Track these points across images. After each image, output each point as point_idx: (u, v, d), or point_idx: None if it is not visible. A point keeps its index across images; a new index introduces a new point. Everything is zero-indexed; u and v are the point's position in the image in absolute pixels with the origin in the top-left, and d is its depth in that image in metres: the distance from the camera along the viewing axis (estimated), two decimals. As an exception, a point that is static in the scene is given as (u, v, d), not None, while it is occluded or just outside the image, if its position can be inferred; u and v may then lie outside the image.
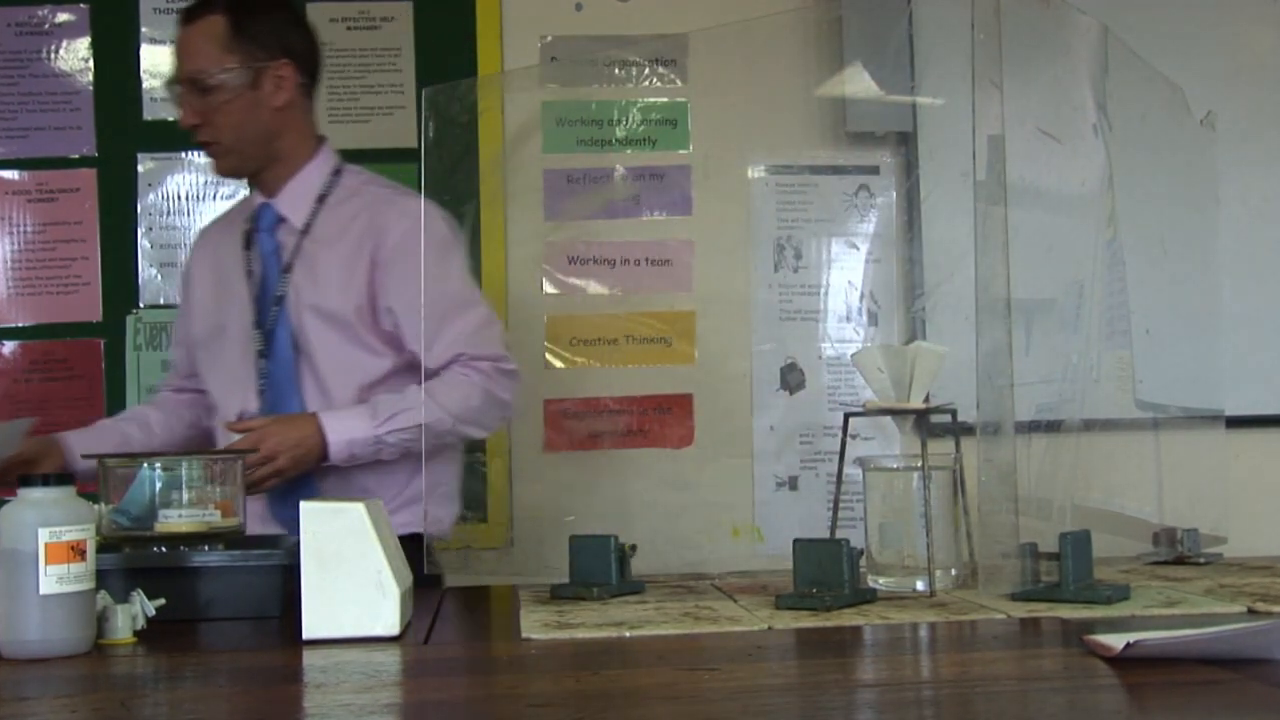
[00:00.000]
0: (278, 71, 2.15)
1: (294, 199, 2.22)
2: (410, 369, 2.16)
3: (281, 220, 2.22)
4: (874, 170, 3.02)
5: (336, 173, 2.27)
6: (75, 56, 2.94)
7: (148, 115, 2.95)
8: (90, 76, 2.94)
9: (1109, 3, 2.00)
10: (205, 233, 2.41)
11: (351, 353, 2.16)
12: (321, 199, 2.22)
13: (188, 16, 2.16)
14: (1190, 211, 2.34)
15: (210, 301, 2.27)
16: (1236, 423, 2.45)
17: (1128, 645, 1.18)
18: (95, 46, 2.94)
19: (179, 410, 2.36)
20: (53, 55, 2.94)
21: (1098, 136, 1.95)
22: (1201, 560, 2.01)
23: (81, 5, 2.94)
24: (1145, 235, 2.11)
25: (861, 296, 2.94)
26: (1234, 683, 1.11)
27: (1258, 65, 3.12)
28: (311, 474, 2.10)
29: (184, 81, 2.14)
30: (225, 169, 2.23)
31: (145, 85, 2.95)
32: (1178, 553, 2.02)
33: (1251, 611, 1.50)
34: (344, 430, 2.07)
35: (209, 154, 2.20)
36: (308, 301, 2.17)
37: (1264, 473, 2.91)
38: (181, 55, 2.15)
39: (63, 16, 2.94)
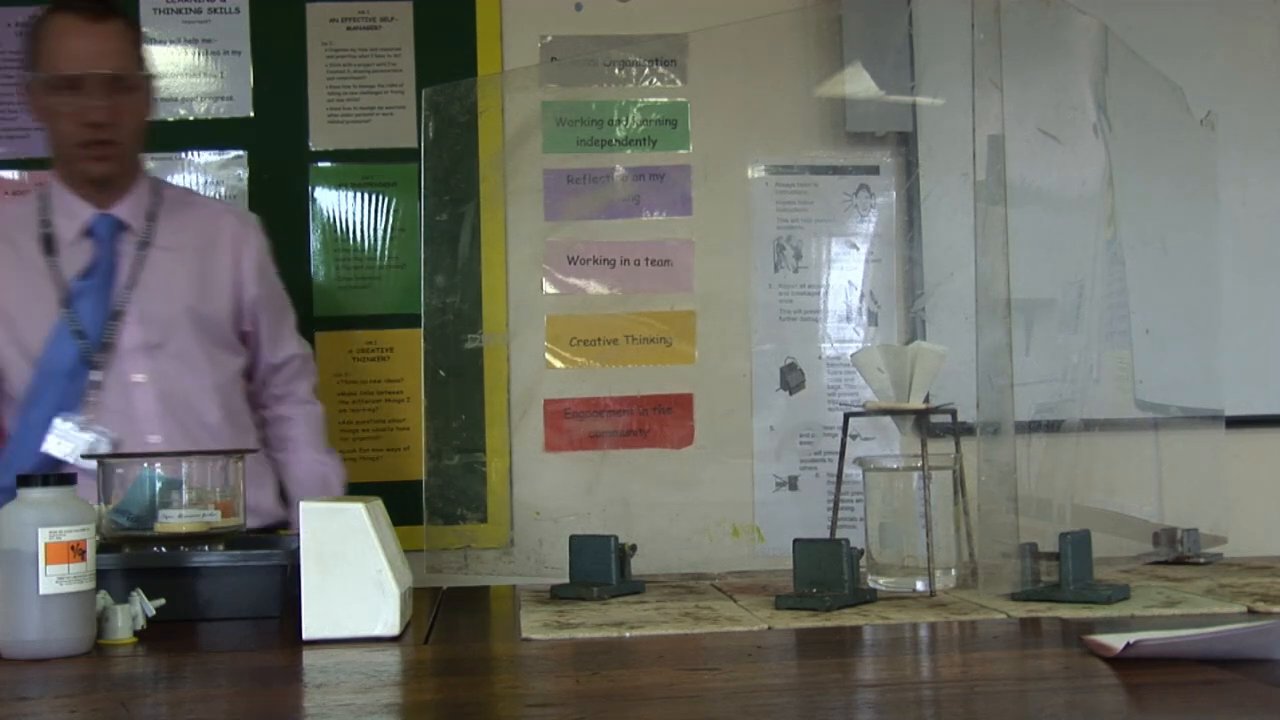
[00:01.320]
0: (156, 84, 2.26)
1: (135, 210, 2.24)
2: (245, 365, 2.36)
3: (121, 230, 2.23)
4: (874, 170, 3.02)
5: (154, 187, 2.31)
6: (75, 56, 2.93)
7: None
8: (90, 76, 2.93)
9: (1109, 3, 2.00)
10: None
11: (215, 354, 2.27)
12: (152, 214, 2.25)
13: (93, 16, 2.14)
14: (1190, 211, 2.34)
15: (10, 307, 2.20)
16: (1236, 423, 2.45)
17: (1127, 645, 1.18)
18: (95, 46, 2.94)
19: None
20: (53, 55, 2.93)
21: (1098, 136, 1.95)
22: (1201, 560, 2.01)
23: (81, 5, 2.94)
24: (1145, 235, 2.11)
25: (861, 296, 2.94)
26: (1234, 683, 1.11)
27: (1258, 65, 3.11)
28: None
29: (99, 79, 2.12)
30: (106, 172, 2.20)
31: (145, 85, 2.94)
32: (1177, 553, 2.02)
33: (1251, 611, 1.50)
34: None
35: (100, 154, 2.17)
36: (182, 304, 2.21)
37: (1264, 473, 2.91)
38: (95, 52, 2.13)
39: (63, 16, 2.94)
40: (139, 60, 2.20)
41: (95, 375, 2.16)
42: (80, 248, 2.21)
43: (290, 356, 2.41)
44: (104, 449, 2.11)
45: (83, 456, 2.06)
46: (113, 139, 2.16)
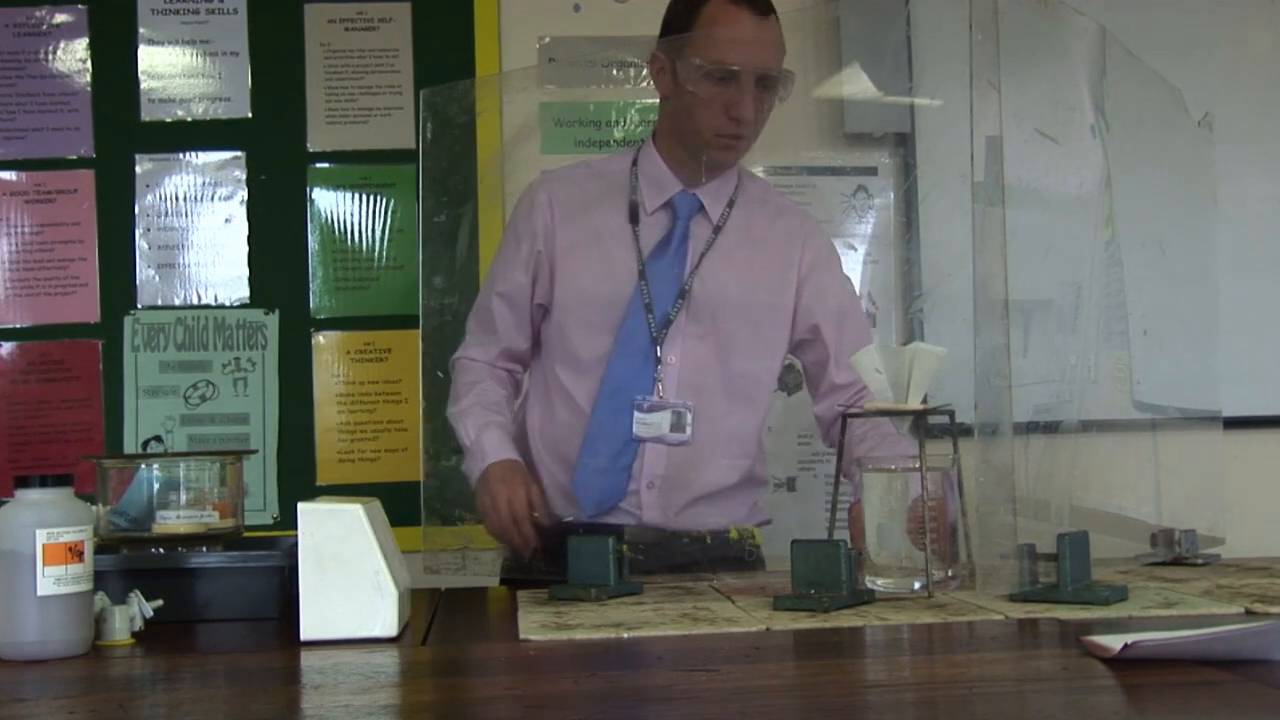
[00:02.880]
0: (792, 80, 2.13)
1: (718, 196, 2.19)
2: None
3: (699, 211, 2.18)
4: (872, 171, 3.02)
5: (738, 177, 2.25)
6: (73, 57, 2.94)
7: (145, 116, 2.94)
8: (88, 77, 2.94)
9: (1107, 4, 2.01)
10: (559, 185, 2.23)
11: (766, 347, 2.20)
12: (731, 202, 2.20)
13: (761, 10, 2.09)
14: (1188, 212, 2.34)
15: (585, 269, 2.15)
16: (1234, 424, 2.45)
17: (1125, 646, 1.18)
18: (93, 47, 2.94)
19: (510, 393, 2.23)
20: (50, 56, 2.93)
21: (1095, 137, 1.95)
22: (1199, 561, 2.01)
23: (79, 6, 2.94)
24: (1143, 236, 2.11)
25: (860, 297, 2.94)
26: (1231, 683, 1.11)
27: (1256, 66, 3.12)
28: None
29: (757, 76, 2.06)
30: (731, 162, 2.18)
31: (143, 86, 2.94)
32: (1175, 554, 2.02)
33: (1249, 612, 1.50)
34: None
35: (732, 145, 2.12)
36: (735, 297, 2.15)
37: (1261, 474, 2.91)
38: (760, 48, 2.07)
39: (60, 17, 2.94)
40: (783, 58, 2.12)
41: (659, 352, 2.11)
42: (656, 220, 2.17)
43: (852, 383, 2.17)
44: (688, 428, 2.09)
45: (81, 458, 2.06)
46: (746, 134, 2.12)
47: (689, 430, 2.10)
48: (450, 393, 2.22)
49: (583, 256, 2.16)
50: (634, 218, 2.17)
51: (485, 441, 2.09)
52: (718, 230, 2.18)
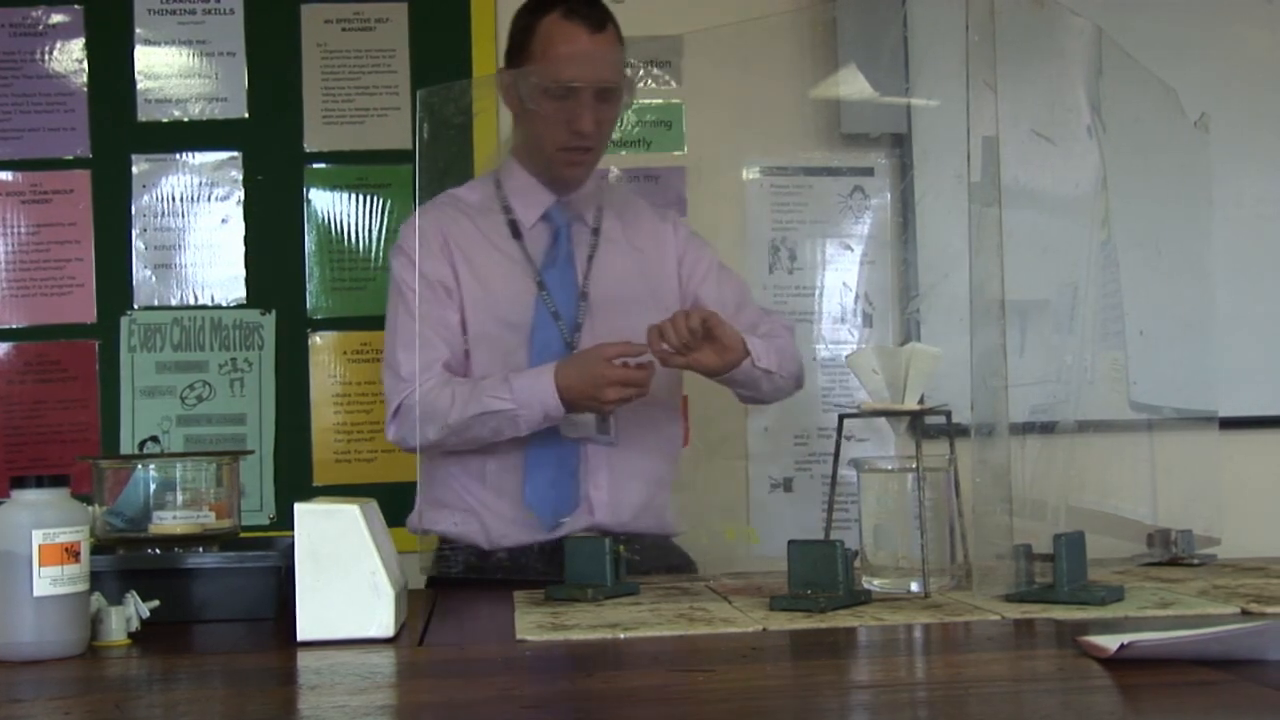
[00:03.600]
0: (635, 85, 2.18)
1: (588, 201, 2.25)
2: None
3: (575, 220, 2.23)
4: (868, 172, 3.02)
5: (597, 178, 2.30)
6: (69, 58, 2.93)
7: (142, 117, 2.94)
8: (84, 78, 2.93)
9: (1103, 4, 2.00)
10: (439, 214, 2.23)
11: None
12: (599, 204, 2.26)
13: (595, 25, 2.13)
14: (1184, 213, 2.34)
15: (487, 290, 2.17)
16: (1230, 424, 2.46)
17: (1122, 646, 1.18)
18: (89, 48, 2.94)
19: None
20: (47, 56, 2.93)
21: (1092, 138, 1.95)
22: (1195, 561, 2.01)
23: (76, 6, 2.94)
24: (1139, 237, 2.11)
25: (856, 298, 2.94)
26: (1227, 684, 1.11)
27: (1252, 67, 3.12)
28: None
29: (595, 89, 2.11)
30: (580, 176, 2.21)
31: (139, 86, 2.94)
32: (1172, 554, 2.02)
33: (1245, 613, 1.50)
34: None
35: (579, 160, 2.17)
36: (632, 291, 2.19)
37: (1257, 474, 2.91)
38: (595, 63, 2.12)
39: (57, 18, 2.94)
40: (621, 69, 2.18)
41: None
42: (538, 232, 2.21)
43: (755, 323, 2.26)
44: (612, 429, 2.12)
45: (78, 459, 2.05)
46: (593, 146, 2.16)
47: (614, 431, 2.13)
48: (427, 425, 2.08)
49: (481, 279, 2.17)
50: (516, 234, 2.20)
51: (521, 380, 2.05)
52: (596, 233, 2.23)
